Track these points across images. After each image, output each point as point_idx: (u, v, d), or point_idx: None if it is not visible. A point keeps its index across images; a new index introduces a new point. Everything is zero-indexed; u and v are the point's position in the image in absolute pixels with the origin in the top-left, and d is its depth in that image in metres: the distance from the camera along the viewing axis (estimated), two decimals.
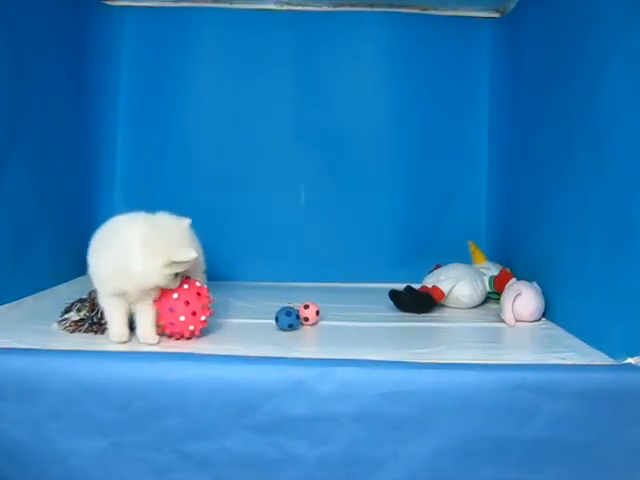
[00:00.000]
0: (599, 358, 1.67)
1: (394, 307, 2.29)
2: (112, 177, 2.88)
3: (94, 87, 2.70)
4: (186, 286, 1.75)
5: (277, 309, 1.97)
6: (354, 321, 2.08)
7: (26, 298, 2.09)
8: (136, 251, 1.67)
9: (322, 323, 2.04)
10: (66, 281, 2.42)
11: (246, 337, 1.85)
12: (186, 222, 1.79)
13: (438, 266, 2.44)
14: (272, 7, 2.84)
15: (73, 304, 1.92)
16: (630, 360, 1.56)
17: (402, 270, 2.70)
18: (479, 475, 1.47)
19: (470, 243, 2.59)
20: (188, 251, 1.70)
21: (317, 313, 2.03)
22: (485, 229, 2.89)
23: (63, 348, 1.64)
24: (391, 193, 2.89)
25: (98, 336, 1.81)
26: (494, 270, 2.42)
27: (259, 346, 1.73)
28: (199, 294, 1.77)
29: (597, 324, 1.77)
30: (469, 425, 1.46)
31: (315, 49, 2.86)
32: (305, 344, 1.82)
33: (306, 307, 2.02)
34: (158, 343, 1.72)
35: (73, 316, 1.87)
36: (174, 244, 1.70)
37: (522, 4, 2.60)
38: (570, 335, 1.91)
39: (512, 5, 2.70)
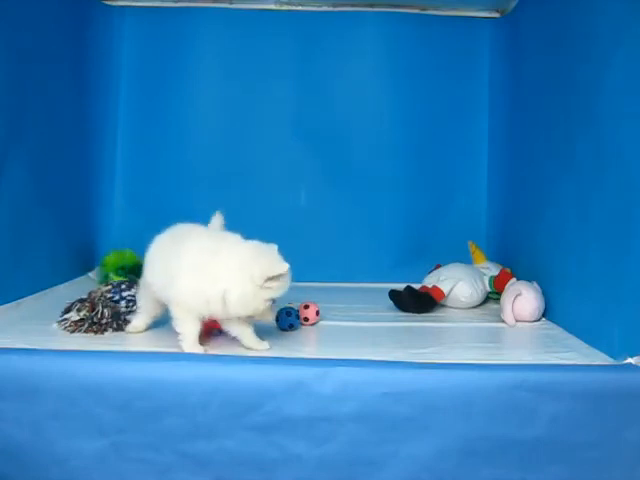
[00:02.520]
0: (599, 358, 1.68)
1: (394, 307, 2.29)
2: (112, 177, 2.88)
3: (94, 87, 2.70)
4: None
5: (277, 309, 1.97)
6: (354, 321, 2.08)
7: (26, 298, 2.09)
8: (236, 281, 1.62)
9: (322, 323, 2.04)
10: (66, 281, 2.42)
11: None
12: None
13: (438, 266, 2.44)
14: (272, 7, 2.84)
15: (73, 304, 1.92)
16: (630, 360, 1.56)
17: (402, 270, 2.70)
18: (479, 475, 1.47)
19: (470, 243, 2.59)
20: (280, 265, 1.65)
21: (317, 313, 2.03)
22: (485, 229, 2.89)
23: (63, 348, 1.64)
24: (391, 193, 2.89)
25: (98, 336, 1.81)
26: (494, 270, 2.42)
27: None
28: None
29: (597, 324, 1.77)
30: (469, 425, 1.46)
31: (315, 49, 2.86)
32: (305, 344, 1.82)
33: (306, 307, 2.02)
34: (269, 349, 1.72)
35: (73, 316, 1.87)
36: (270, 261, 1.65)
37: (522, 4, 2.60)
38: (570, 335, 1.91)
39: (512, 5, 2.70)
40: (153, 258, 1.78)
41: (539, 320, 2.10)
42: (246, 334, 1.72)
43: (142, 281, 1.84)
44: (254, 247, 1.69)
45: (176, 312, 1.68)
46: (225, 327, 1.73)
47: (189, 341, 1.66)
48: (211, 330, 1.81)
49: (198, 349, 1.66)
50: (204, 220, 1.85)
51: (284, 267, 1.64)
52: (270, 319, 1.74)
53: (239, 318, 1.69)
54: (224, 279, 1.62)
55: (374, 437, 1.46)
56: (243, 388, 1.47)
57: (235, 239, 1.72)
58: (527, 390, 1.47)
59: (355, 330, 1.99)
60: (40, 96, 2.21)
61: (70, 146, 2.51)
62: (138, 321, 1.86)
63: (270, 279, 1.62)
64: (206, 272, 1.63)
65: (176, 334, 1.77)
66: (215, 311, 1.65)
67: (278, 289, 1.65)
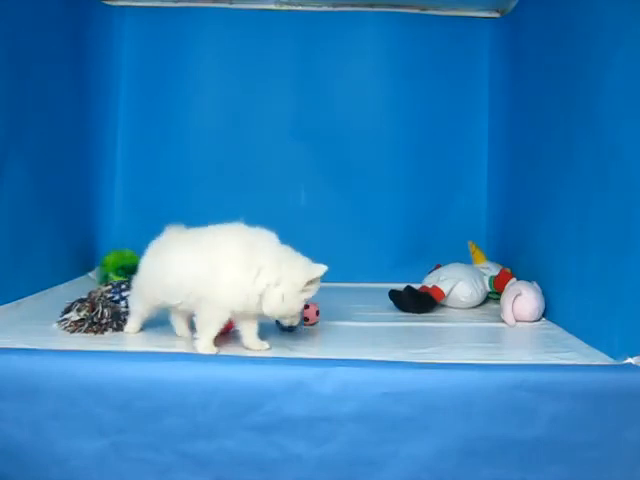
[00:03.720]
0: (599, 358, 1.68)
1: (394, 307, 2.29)
2: (112, 177, 2.88)
3: (94, 87, 2.70)
4: None
5: None
6: (354, 321, 2.08)
7: (26, 298, 2.09)
8: (278, 282, 1.66)
9: (322, 323, 2.04)
10: (66, 281, 2.42)
11: None
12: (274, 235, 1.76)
13: (438, 266, 2.44)
14: (272, 7, 2.84)
15: (73, 304, 1.92)
16: (630, 360, 1.56)
17: (402, 270, 2.70)
18: (479, 475, 1.47)
19: (470, 243, 2.59)
20: (318, 267, 1.71)
21: (317, 313, 2.02)
22: (485, 229, 2.89)
23: (63, 348, 1.64)
24: (391, 193, 2.89)
25: (98, 336, 1.81)
26: (494, 270, 2.42)
27: None
28: None
29: (597, 324, 1.77)
30: (469, 425, 1.46)
31: (315, 49, 2.86)
32: (305, 344, 1.82)
33: (306, 307, 2.00)
34: (269, 349, 1.72)
35: (73, 316, 1.86)
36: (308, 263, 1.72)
37: (522, 4, 2.60)
38: (570, 335, 1.91)
39: (512, 5, 2.70)
40: (172, 260, 1.73)
41: (539, 320, 2.10)
42: (250, 333, 1.72)
43: (137, 284, 1.83)
44: (285, 249, 1.73)
45: (209, 311, 1.66)
46: (237, 324, 1.73)
47: (208, 342, 1.66)
48: (227, 330, 1.81)
49: (211, 350, 1.65)
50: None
51: (323, 269, 1.69)
52: (297, 321, 1.76)
53: (252, 316, 1.69)
54: (264, 279, 1.64)
55: (374, 437, 1.46)
56: (243, 388, 1.47)
57: (268, 236, 1.74)
58: (527, 390, 1.47)
59: (355, 330, 1.99)
60: (40, 96, 2.21)
61: (70, 146, 2.51)
62: (134, 323, 1.85)
63: (310, 282, 1.68)
64: (247, 270, 1.64)
65: (174, 334, 1.79)
66: (251, 310, 1.66)
67: (314, 290, 1.71)
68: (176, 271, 1.70)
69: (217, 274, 1.65)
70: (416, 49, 2.86)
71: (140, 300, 1.83)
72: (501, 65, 2.79)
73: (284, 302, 1.66)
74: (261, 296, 1.65)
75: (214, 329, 1.66)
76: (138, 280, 1.83)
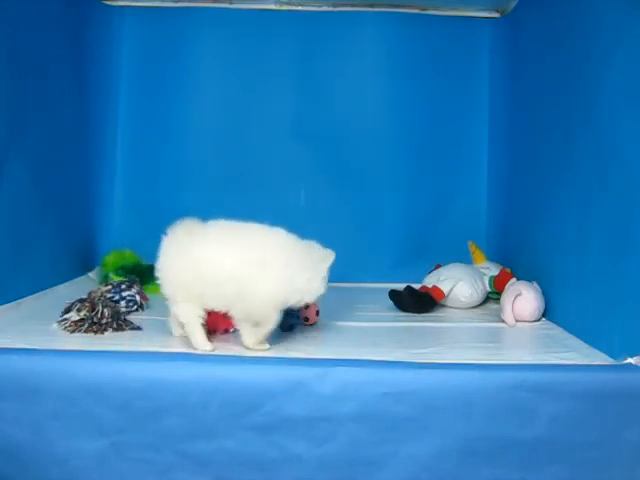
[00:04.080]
0: (599, 358, 1.68)
1: (394, 307, 2.29)
2: (112, 177, 2.88)
3: (94, 87, 2.70)
4: None
5: None
6: (354, 321, 2.08)
7: (26, 298, 2.09)
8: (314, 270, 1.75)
9: (322, 323, 2.04)
10: (66, 281, 2.42)
11: None
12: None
13: (438, 266, 2.44)
14: (272, 7, 2.84)
15: (73, 304, 1.92)
16: (630, 360, 1.56)
17: (402, 270, 2.70)
18: (479, 475, 1.47)
19: (470, 243, 2.59)
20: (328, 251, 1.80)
21: (317, 313, 2.02)
22: (485, 229, 2.89)
23: (63, 348, 1.64)
24: (391, 193, 2.89)
25: (98, 336, 1.81)
26: (494, 270, 2.42)
27: None
28: None
29: (597, 324, 1.77)
30: (469, 425, 1.46)
31: (315, 49, 2.86)
32: (305, 344, 1.82)
33: (306, 307, 2.01)
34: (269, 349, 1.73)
35: (73, 316, 1.86)
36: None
37: (522, 4, 2.60)
38: (570, 335, 1.91)
39: (512, 5, 2.70)
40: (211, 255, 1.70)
41: (539, 320, 2.10)
42: (250, 333, 1.72)
43: (170, 292, 1.74)
44: (300, 241, 1.78)
45: (264, 312, 1.69)
46: (237, 325, 1.73)
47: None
48: (227, 331, 1.81)
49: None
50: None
51: (333, 253, 1.78)
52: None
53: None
54: (301, 278, 1.71)
55: (374, 437, 1.46)
56: (243, 388, 1.47)
57: (287, 235, 1.77)
58: (527, 390, 1.47)
59: (355, 330, 1.99)
60: (40, 96, 2.21)
61: (70, 146, 2.51)
62: (203, 336, 1.72)
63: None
64: (285, 268, 1.69)
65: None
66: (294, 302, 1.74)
67: None
68: (212, 266, 1.68)
69: (258, 275, 1.67)
70: (416, 49, 2.86)
71: (183, 304, 1.73)
72: (501, 65, 2.79)
73: (315, 291, 1.75)
74: (300, 291, 1.72)
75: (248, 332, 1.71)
76: (167, 286, 1.74)
